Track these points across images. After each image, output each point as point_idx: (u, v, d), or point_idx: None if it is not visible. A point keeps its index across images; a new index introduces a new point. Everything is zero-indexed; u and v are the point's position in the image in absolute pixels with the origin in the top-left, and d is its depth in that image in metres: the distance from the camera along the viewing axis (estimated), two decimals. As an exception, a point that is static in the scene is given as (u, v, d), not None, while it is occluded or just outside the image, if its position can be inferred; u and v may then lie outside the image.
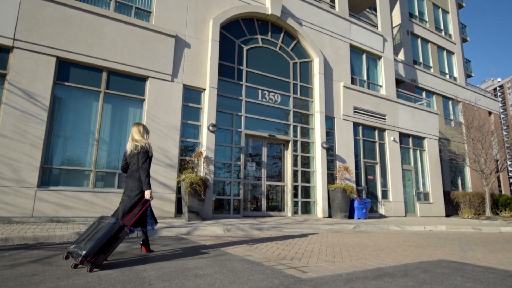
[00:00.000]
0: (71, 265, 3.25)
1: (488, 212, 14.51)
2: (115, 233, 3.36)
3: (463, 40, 23.24)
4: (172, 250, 4.39)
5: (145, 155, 3.96)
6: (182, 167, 8.80)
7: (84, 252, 3.09)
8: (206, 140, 9.11)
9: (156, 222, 4.28)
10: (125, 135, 8.28)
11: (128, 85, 8.42)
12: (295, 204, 10.82)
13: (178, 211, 8.57)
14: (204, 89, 9.48)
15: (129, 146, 4.07)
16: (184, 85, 9.14)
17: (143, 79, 8.63)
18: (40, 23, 7.37)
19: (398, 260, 4.04)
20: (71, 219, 7.10)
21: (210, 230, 6.57)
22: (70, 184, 7.40)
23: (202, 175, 8.68)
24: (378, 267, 3.58)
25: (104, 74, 8.10)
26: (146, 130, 4.20)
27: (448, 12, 21.03)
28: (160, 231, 6.01)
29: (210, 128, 9.11)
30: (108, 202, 7.53)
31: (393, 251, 4.78)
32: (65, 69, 7.66)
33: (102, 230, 3.30)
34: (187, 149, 9.15)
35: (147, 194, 3.84)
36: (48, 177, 7.20)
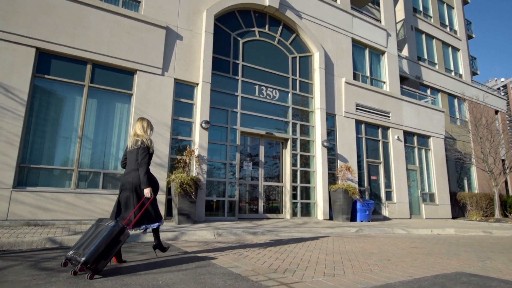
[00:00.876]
0: (71, 272, 2.98)
1: (497, 214, 13.88)
2: (115, 236, 3.15)
3: (469, 37, 22.60)
4: (148, 260, 3.83)
5: (145, 151, 3.76)
6: (173, 166, 8.26)
7: (83, 259, 2.88)
8: (198, 138, 8.56)
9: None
10: (111, 132, 7.75)
11: (114, 78, 7.89)
12: (294, 205, 10.24)
13: (168, 213, 8.03)
14: (197, 84, 8.94)
15: (130, 141, 3.89)
16: (175, 79, 8.60)
17: (131, 72, 8.09)
18: (18, 12, 6.85)
19: (408, 273, 3.46)
20: (50, 222, 6.56)
21: (199, 235, 6.02)
22: (50, 184, 6.86)
23: (194, 175, 8.13)
24: (386, 283, 3.01)
25: (89, 67, 7.57)
26: (150, 126, 4.01)
27: (453, 8, 20.41)
28: (143, 236, 5.46)
29: (203, 125, 8.57)
30: (91, 204, 6.99)
31: (401, 261, 4.21)
32: (45, 61, 7.14)
33: (102, 234, 3.09)
34: (179, 147, 8.60)
35: (146, 192, 3.64)
36: (26, 177, 6.67)
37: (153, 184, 3.83)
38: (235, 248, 4.88)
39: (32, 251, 4.39)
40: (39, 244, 4.77)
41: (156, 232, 3.94)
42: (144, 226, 3.77)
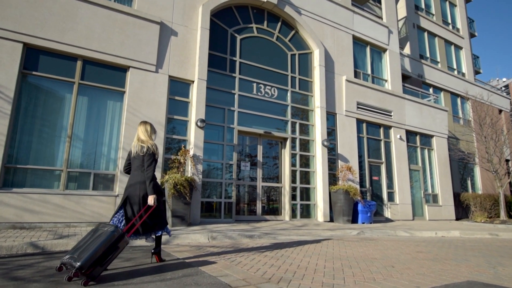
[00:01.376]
0: (65, 278, 2.86)
1: (502, 215, 13.52)
2: (114, 242, 3.03)
3: (471, 35, 22.24)
4: (131, 267, 3.54)
5: (151, 158, 3.68)
6: (168, 166, 7.96)
7: (78, 263, 2.75)
8: (194, 137, 8.26)
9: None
10: (102, 131, 7.45)
11: (106, 75, 7.60)
12: (293, 207, 9.93)
13: (162, 215, 7.71)
14: (193, 81, 8.64)
15: (134, 147, 3.78)
16: (170, 76, 8.31)
17: (123, 69, 7.80)
18: (4, 5, 6.56)
19: (415, 283, 3.16)
20: (37, 225, 6.27)
21: (192, 238, 5.72)
22: (37, 185, 6.56)
23: (189, 175, 7.83)
24: (391, 295, 2.70)
25: (79, 63, 7.29)
26: (153, 130, 3.93)
27: (455, 5, 20.08)
28: (133, 240, 5.16)
29: (199, 123, 8.27)
30: (81, 206, 6.70)
31: (406, 268, 3.90)
32: (33, 57, 6.85)
33: (100, 239, 2.99)
34: (173, 147, 8.30)
35: (150, 199, 3.55)
36: (12, 178, 6.38)
37: (158, 192, 3.72)
38: (229, 253, 4.58)
39: (10, 257, 4.10)
40: (20, 249, 4.48)
41: (158, 239, 3.82)
42: (147, 234, 3.73)
